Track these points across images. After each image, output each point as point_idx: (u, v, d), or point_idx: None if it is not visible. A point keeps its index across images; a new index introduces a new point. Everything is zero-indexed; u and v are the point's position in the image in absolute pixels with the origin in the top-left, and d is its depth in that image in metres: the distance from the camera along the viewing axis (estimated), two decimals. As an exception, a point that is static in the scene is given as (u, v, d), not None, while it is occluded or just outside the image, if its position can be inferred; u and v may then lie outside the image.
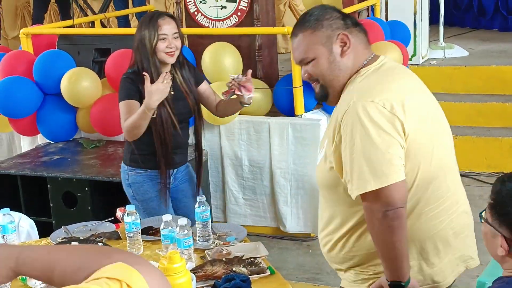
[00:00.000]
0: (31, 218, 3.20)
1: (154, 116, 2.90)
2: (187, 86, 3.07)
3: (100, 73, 4.65)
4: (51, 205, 3.99)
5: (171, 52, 2.93)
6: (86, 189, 3.87)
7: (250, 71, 2.99)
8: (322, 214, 2.15)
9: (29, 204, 4.06)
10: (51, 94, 4.58)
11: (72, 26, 5.40)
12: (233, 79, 2.94)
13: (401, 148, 1.88)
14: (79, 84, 4.37)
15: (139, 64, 2.94)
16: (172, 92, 2.97)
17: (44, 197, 4.02)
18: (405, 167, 1.89)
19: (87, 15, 6.38)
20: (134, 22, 7.04)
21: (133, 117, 2.88)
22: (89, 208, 3.87)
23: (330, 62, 1.99)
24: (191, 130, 3.23)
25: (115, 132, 4.47)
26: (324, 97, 2.07)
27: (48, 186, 3.97)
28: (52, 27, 5.59)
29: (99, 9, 6.26)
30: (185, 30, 4.80)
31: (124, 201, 3.15)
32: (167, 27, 2.91)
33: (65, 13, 7.17)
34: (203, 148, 3.29)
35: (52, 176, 3.96)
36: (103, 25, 5.88)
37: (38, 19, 7.16)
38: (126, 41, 4.75)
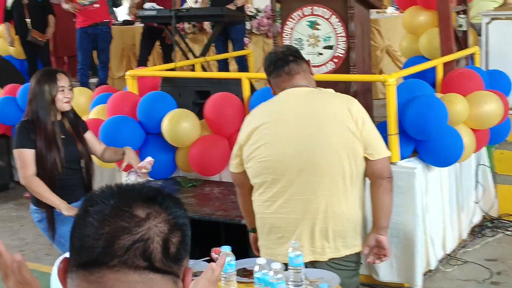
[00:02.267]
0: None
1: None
2: (75, 131, 3.59)
3: (200, 115, 4.82)
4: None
5: (68, 101, 3.51)
6: (183, 227, 3.97)
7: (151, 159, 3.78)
8: None
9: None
10: (153, 134, 4.79)
11: (174, 69, 5.65)
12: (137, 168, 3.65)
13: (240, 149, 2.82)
14: (179, 125, 4.55)
15: (34, 114, 3.47)
16: (63, 136, 3.50)
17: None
18: (247, 163, 2.79)
19: (188, 58, 6.61)
20: (233, 65, 7.24)
21: (48, 196, 3.44)
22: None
23: None
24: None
25: (212, 172, 4.60)
26: None
27: (146, 222, 4.10)
28: (156, 70, 5.86)
29: (200, 53, 6.49)
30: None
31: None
32: (64, 81, 3.52)
33: (168, 56, 7.49)
34: None
35: (150, 213, 4.09)
36: (203, 68, 6.09)
37: (143, 61, 7.53)
38: (226, 85, 4.91)
